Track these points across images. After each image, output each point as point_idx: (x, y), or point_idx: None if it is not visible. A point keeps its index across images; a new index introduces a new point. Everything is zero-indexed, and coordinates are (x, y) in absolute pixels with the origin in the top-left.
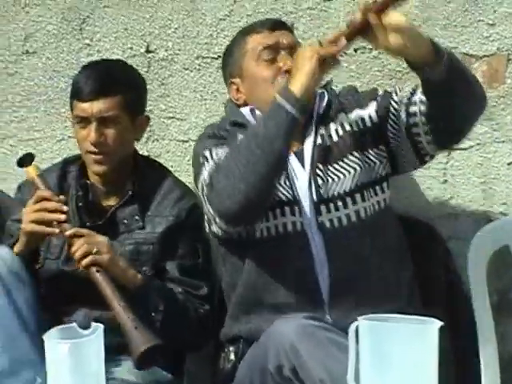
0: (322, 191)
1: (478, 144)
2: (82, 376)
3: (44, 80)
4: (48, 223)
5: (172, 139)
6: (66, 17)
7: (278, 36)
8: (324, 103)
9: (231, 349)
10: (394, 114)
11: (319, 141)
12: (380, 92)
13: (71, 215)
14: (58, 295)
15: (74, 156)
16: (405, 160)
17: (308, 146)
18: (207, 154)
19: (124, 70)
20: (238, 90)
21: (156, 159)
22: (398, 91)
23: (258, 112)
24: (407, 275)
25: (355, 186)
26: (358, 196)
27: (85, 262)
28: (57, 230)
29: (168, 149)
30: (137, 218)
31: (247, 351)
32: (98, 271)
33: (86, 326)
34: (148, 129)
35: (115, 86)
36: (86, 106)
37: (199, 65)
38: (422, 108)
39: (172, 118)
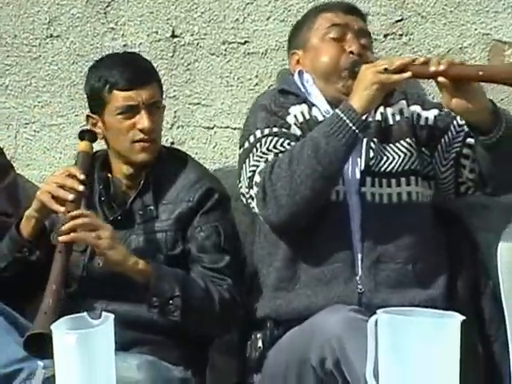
0: (371, 163)
1: None
2: (90, 367)
3: (68, 64)
4: (58, 200)
5: (197, 126)
6: (91, 0)
7: (349, 19)
8: None
9: (258, 336)
10: (451, 134)
11: (378, 117)
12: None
13: (97, 209)
14: (81, 289)
15: (98, 151)
16: (440, 183)
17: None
18: (258, 134)
19: (145, 59)
20: (298, 61)
21: (180, 146)
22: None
23: (306, 76)
24: (443, 275)
25: (403, 169)
26: (403, 180)
27: (68, 236)
28: (62, 209)
29: (193, 135)
30: (151, 208)
31: (275, 337)
32: (60, 252)
33: (96, 317)
34: (173, 115)
35: (151, 73)
36: (132, 94)
37: (225, 50)
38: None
39: (197, 104)
